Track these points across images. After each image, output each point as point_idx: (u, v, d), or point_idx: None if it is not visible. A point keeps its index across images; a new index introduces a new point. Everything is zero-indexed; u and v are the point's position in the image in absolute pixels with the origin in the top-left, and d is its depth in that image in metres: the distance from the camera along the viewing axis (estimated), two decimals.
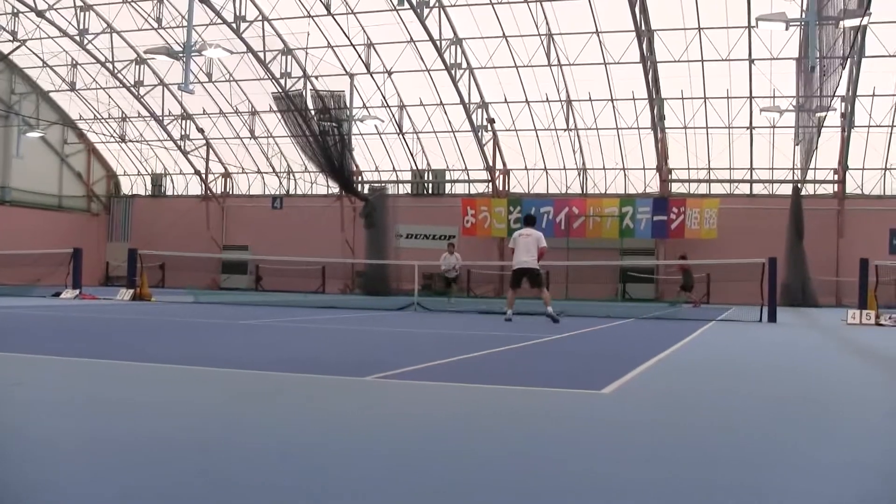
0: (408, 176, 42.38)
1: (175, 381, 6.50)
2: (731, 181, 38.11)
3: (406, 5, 32.68)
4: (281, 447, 4.03)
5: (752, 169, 37.64)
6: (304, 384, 6.46)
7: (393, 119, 39.77)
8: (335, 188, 41.37)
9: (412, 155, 41.27)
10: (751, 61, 33.18)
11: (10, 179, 42.98)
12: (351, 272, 40.60)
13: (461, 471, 3.69)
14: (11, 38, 39.40)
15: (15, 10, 38.31)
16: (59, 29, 38.65)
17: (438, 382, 6.78)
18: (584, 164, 39.25)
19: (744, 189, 38.09)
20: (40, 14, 37.69)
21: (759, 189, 38.00)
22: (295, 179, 44.57)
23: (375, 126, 38.75)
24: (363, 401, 5.74)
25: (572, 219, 37.61)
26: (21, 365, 7.28)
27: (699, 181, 38.42)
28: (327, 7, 34.53)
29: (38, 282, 32.02)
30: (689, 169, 38.23)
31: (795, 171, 36.85)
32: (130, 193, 48.76)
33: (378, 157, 41.84)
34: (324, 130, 37.82)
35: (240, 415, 4.97)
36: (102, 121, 45.06)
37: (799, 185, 35.95)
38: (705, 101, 35.75)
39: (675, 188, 38.46)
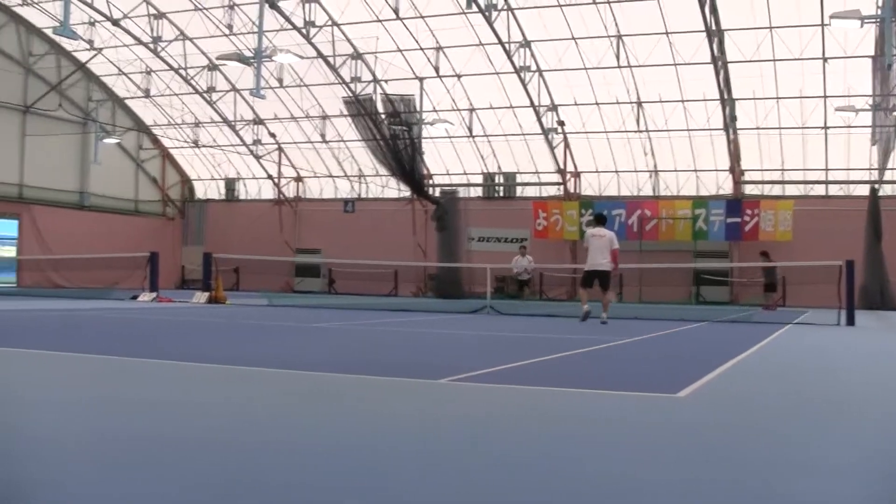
0: (479, 179, 42.49)
1: (247, 382, 6.57)
2: (805, 182, 37.47)
3: (474, 8, 32.80)
4: (349, 449, 4.06)
5: (827, 170, 36.95)
6: (376, 386, 6.50)
7: (463, 122, 39.90)
8: (406, 192, 41.63)
9: (483, 158, 41.36)
10: (824, 60, 32.57)
11: (89, 185, 44.08)
12: (423, 275, 40.82)
13: (537, 475, 3.67)
14: (88, 47, 40.41)
15: (91, 20, 39.29)
16: (134, 37, 39.56)
17: (512, 385, 6.76)
18: (655, 165, 38.95)
19: (819, 190, 37.42)
20: (116, 23, 38.64)
21: (834, 190, 37.31)
22: (366, 183, 44.97)
23: (446, 129, 38.89)
24: (436, 403, 5.78)
25: (644, 221, 37.36)
26: (99, 366, 7.45)
27: (773, 182, 37.85)
28: (396, 11, 34.77)
29: (116, 285, 32.92)
30: (762, 170, 37.70)
31: (872, 171, 36.11)
32: (204, 198, 49.67)
33: (449, 161, 42.02)
34: (394, 134, 38.18)
35: (311, 416, 5.06)
36: (176, 126, 45.95)
37: (876, 185, 35.22)
38: (778, 102, 35.21)
39: (749, 190, 37.94)
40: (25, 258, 39.72)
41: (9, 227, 42.11)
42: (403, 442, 4.32)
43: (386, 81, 38.79)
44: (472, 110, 39.65)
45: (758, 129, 36.16)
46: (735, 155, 36.82)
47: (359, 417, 5.05)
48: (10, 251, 42.88)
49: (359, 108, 38.91)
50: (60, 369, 7.16)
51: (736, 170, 37.11)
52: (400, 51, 37.16)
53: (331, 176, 45.43)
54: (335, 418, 4.99)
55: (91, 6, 37.95)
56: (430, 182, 42.25)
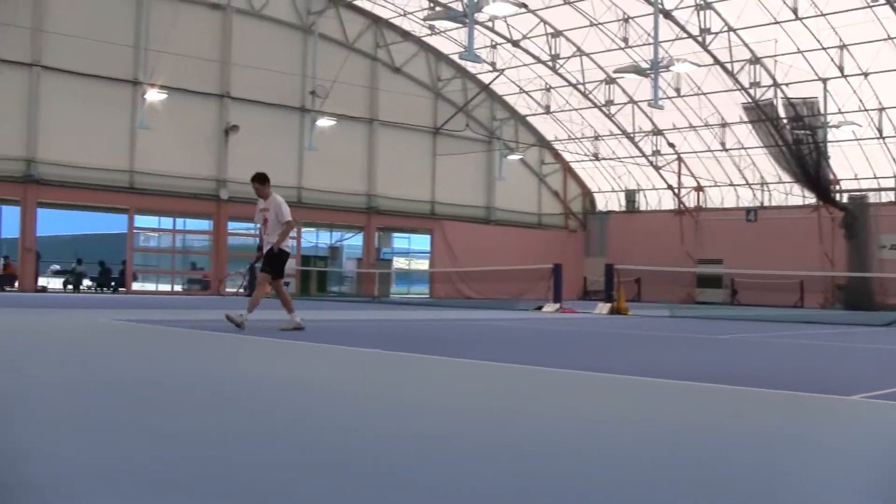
0: (890, 183, 41.58)
1: (648, 394, 6.58)
2: None
3: (881, 0, 32.57)
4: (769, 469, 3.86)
5: None
6: (786, 402, 6.30)
7: (871, 123, 39.35)
8: (812, 198, 41.63)
9: (894, 160, 40.51)
10: None
11: (494, 200, 48.73)
12: (830, 286, 40.66)
13: None
14: (491, 69, 44.85)
15: (493, 43, 43.75)
16: (533, 56, 43.42)
17: None
18: None
19: None
20: (516, 44, 42.83)
21: None
22: (769, 191, 45.47)
23: (853, 132, 38.61)
24: (847, 423, 5.52)
25: None
26: (507, 374, 7.87)
27: None
28: (794, 11, 35.18)
29: (521, 296, 35.84)
30: None
31: None
32: (605, 209, 52.62)
33: (857, 164, 41.56)
34: (797, 139, 38.30)
35: (715, 430, 4.99)
36: (576, 140, 49.26)
37: None
38: None
39: None
40: (437, 270, 44.67)
41: (422, 242, 47.78)
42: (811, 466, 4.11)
43: (787, 85, 39.17)
44: (881, 110, 39.02)
45: None
46: None
47: (753, 435, 4.85)
48: (423, 264, 48.60)
49: (759, 114, 39.54)
50: (508, 379, 7.58)
51: None
52: (800, 52, 37.47)
53: (732, 184, 46.47)
54: (733, 434, 4.87)
55: (492, 30, 42.34)
56: (837, 188, 41.91)
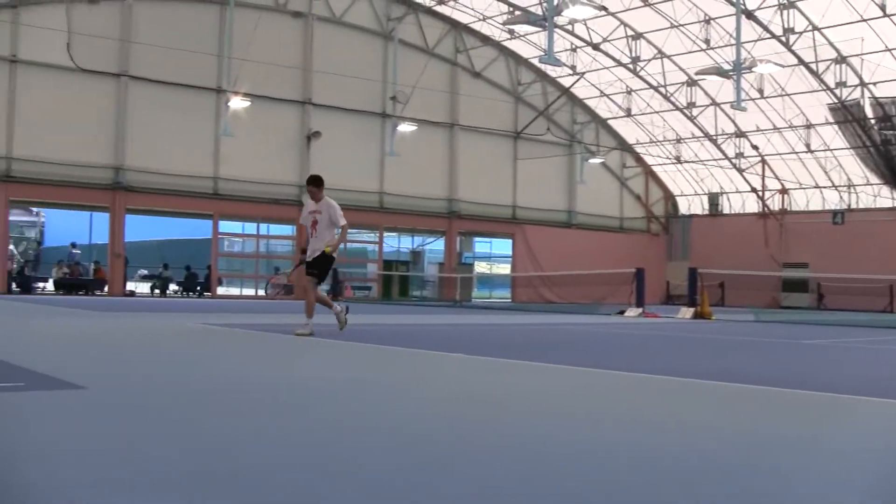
0: None
1: (728, 400, 6.52)
2: None
3: None
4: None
5: None
6: (872, 408, 6.19)
7: None
8: None
9: None
10: None
11: (576, 204, 48.57)
12: None
13: None
14: (571, 72, 44.73)
15: (573, 46, 43.65)
16: (614, 59, 43.21)
17: None
18: None
19: None
20: (595, 47, 42.65)
21: None
22: (856, 193, 44.64)
23: None
24: None
25: None
26: (589, 378, 7.86)
27: None
28: (882, 8, 34.49)
29: (603, 300, 35.78)
30: None
31: None
32: (688, 213, 52.11)
33: None
34: (886, 139, 37.73)
35: (780, 437, 4.80)
36: (658, 143, 48.89)
37: None
38: None
39: None
40: (519, 275, 44.70)
41: (504, 246, 47.82)
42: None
43: (874, 84, 38.44)
44: None
45: None
46: None
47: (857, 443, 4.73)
48: (504, 269, 48.66)
49: (846, 115, 38.98)
50: (583, 382, 7.59)
51: None
52: (889, 50, 36.71)
53: (817, 187, 45.70)
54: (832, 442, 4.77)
55: (572, 33, 42.27)
56: None
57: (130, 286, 38.61)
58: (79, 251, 39.38)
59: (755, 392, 6.91)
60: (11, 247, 37.69)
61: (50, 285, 36.66)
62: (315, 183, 12.59)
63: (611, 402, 6.40)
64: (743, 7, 33.18)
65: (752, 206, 48.61)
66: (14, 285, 34.77)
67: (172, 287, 38.88)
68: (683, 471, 3.88)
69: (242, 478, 3.44)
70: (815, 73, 38.97)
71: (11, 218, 36.63)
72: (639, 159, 50.88)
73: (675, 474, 3.79)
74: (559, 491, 3.40)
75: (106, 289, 35.52)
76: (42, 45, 33.00)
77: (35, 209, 42.74)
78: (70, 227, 41.28)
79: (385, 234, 42.79)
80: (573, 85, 45.72)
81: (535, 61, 43.39)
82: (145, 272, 41.37)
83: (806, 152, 44.25)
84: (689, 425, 5.25)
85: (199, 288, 38.22)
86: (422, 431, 4.73)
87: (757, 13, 36.39)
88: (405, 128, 40.79)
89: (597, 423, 5.27)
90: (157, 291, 38.17)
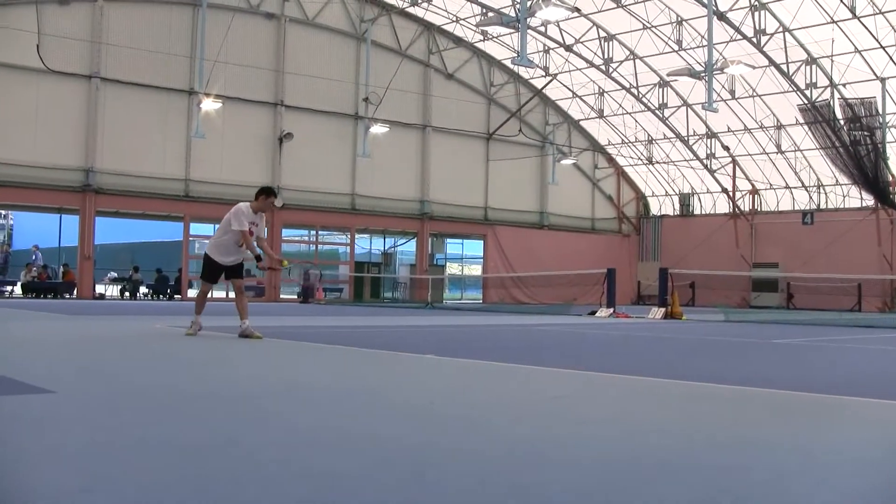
0: None
1: (697, 398, 6.58)
2: None
3: None
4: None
5: None
6: (837, 407, 6.26)
7: None
8: (870, 201, 41.20)
9: None
10: None
11: (547, 205, 48.65)
12: (889, 289, 40.19)
13: None
14: (544, 74, 44.80)
15: (546, 48, 43.75)
16: (586, 60, 43.33)
17: None
18: None
19: None
20: (568, 48, 42.79)
21: None
22: (825, 193, 44.99)
23: None
24: None
25: None
26: (560, 378, 7.84)
27: None
28: (852, 10, 34.81)
29: (574, 300, 35.90)
30: None
31: None
32: (659, 214, 52.33)
33: None
34: (855, 140, 37.91)
35: (742, 436, 4.79)
36: (630, 144, 49.07)
37: None
38: None
39: None
40: (490, 276, 44.75)
41: (475, 247, 47.88)
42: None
43: (844, 85, 38.72)
44: None
45: None
46: None
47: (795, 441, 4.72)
48: (476, 270, 48.69)
49: (816, 116, 39.16)
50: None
51: None
52: (858, 51, 37.00)
53: (788, 187, 46.01)
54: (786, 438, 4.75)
55: (545, 35, 42.38)
56: None
57: (100, 289, 38.29)
58: (39, 253, 38.83)
59: (721, 391, 6.98)
60: None
61: (18, 289, 36.30)
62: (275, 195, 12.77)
63: (574, 400, 6.44)
64: (715, 8, 33.29)
65: (723, 206, 48.86)
66: None
67: (143, 290, 38.59)
68: (641, 469, 3.90)
69: (209, 484, 3.40)
70: (785, 75, 39.21)
71: None
72: (610, 160, 51.02)
73: (632, 472, 3.82)
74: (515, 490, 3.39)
75: (75, 292, 35.23)
76: (12, 46, 32.66)
77: (3, 212, 42.33)
78: (39, 230, 40.91)
79: (357, 235, 42.75)
80: (546, 86, 45.79)
81: (508, 63, 43.41)
82: (115, 275, 41.02)
83: (776, 153, 44.54)
84: (648, 423, 5.27)
85: (169, 291, 37.98)
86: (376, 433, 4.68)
87: (728, 15, 36.65)
88: (377, 129, 40.70)
89: (556, 419, 5.31)
90: (127, 294, 37.88)
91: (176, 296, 37.55)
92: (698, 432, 4.99)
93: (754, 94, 41.67)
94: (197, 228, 38.85)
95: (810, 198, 45.62)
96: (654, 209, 52.61)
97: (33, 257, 37.02)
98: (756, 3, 36.31)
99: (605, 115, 47.52)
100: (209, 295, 12.79)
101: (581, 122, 49.08)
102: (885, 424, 5.61)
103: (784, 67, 38.92)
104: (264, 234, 12.54)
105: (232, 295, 12.83)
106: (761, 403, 6.45)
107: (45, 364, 8.40)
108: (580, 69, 44.40)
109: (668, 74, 37.48)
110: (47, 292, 35.34)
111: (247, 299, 12.41)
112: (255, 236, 12.22)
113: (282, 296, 40.10)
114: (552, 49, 43.74)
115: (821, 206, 45.22)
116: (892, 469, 4.16)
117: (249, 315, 11.92)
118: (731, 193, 47.67)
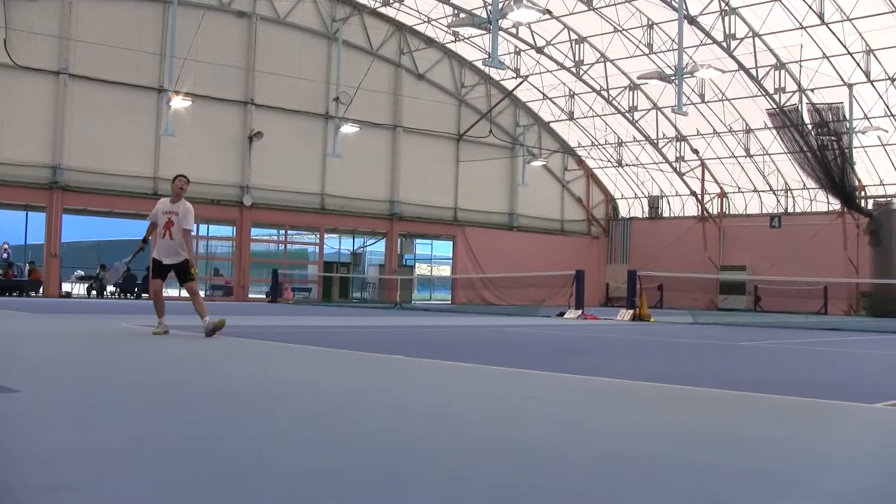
0: None
1: (664, 399, 6.61)
2: None
3: None
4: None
5: None
6: (806, 409, 6.27)
7: None
8: (836, 205, 41.53)
9: None
10: None
11: (517, 206, 48.71)
12: (855, 293, 40.53)
13: None
14: (515, 75, 44.87)
15: (517, 49, 43.80)
16: (557, 63, 43.44)
17: None
18: None
19: None
20: (539, 50, 42.88)
21: None
22: (793, 197, 45.33)
23: (878, 137, 38.50)
24: (870, 431, 5.46)
25: None
26: (532, 380, 7.81)
27: None
28: (820, 17, 35.09)
29: (543, 302, 35.93)
30: None
31: None
32: (628, 216, 52.54)
33: (883, 171, 41.31)
34: (822, 145, 38.15)
35: (739, 439, 4.78)
36: (600, 146, 49.23)
37: None
38: None
39: None
40: (459, 277, 44.76)
41: (445, 248, 47.88)
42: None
43: (812, 90, 39.03)
44: None
45: None
46: None
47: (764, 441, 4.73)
48: (445, 270, 48.68)
49: (784, 120, 39.39)
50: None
51: None
52: (826, 57, 37.28)
53: (756, 191, 46.32)
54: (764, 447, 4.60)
55: (517, 37, 42.42)
56: (862, 194, 41.75)
57: (66, 287, 37.96)
58: (10, 251, 38.46)
59: (690, 392, 7.05)
60: None
61: None
62: (187, 181, 12.63)
63: (546, 401, 6.43)
64: (685, 13, 33.49)
65: (692, 209, 49.13)
66: None
67: (110, 288, 38.28)
68: (619, 468, 3.93)
69: (187, 483, 3.36)
70: (754, 79, 39.46)
71: None
72: (580, 162, 51.17)
73: (601, 470, 3.86)
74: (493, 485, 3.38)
75: (41, 290, 34.91)
76: None
77: None
78: (5, 227, 40.53)
79: (326, 235, 42.61)
80: (516, 88, 45.86)
81: (479, 64, 43.52)
82: (82, 273, 40.67)
83: (745, 157, 44.83)
84: (610, 424, 5.32)
85: (136, 289, 37.70)
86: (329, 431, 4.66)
87: (699, 19, 36.83)
88: (348, 129, 40.57)
89: (529, 420, 5.30)
90: (94, 293, 37.58)
91: (144, 294, 37.26)
92: (668, 432, 5.02)
93: (724, 98, 41.88)
94: None
95: (778, 201, 45.94)
96: (624, 211, 52.80)
97: (4, 255, 36.67)
98: (726, 7, 36.52)
99: (575, 117, 47.62)
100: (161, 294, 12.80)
101: (551, 124, 49.18)
102: (857, 426, 5.62)
103: (753, 72, 39.16)
104: (188, 225, 12.59)
105: (185, 293, 12.97)
106: (723, 403, 6.49)
107: (9, 363, 8.29)
108: (551, 71, 44.51)
109: (639, 77, 37.69)
110: (12, 290, 35.00)
111: (201, 297, 12.62)
112: (175, 226, 12.43)
113: (250, 295, 39.91)
114: (523, 51, 43.82)
115: (788, 210, 45.53)
116: (866, 471, 4.14)
117: (209, 313, 12.07)
118: (699, 196, 47.94)
